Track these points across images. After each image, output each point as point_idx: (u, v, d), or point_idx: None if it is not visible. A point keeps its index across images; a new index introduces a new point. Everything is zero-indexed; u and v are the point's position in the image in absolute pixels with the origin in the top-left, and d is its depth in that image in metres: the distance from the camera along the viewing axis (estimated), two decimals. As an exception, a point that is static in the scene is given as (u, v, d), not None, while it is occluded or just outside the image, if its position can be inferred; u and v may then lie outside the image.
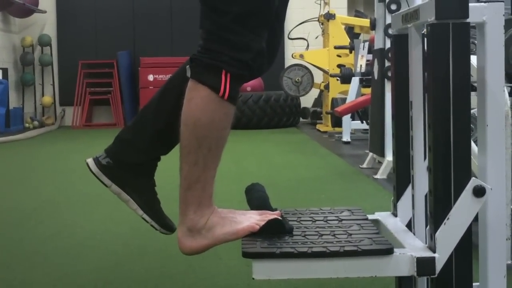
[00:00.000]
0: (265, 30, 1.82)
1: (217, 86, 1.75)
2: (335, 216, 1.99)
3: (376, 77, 5.23)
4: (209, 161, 1.80)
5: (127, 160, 2.10)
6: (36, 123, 11.61)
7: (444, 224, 1.63)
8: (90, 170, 2.11)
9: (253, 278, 1.64)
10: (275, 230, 1.79)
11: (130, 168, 2.09)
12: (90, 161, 2.13)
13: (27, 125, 11.60)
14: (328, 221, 1.93)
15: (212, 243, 1.84)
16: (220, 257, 2.73)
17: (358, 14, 10.74)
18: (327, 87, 9.54)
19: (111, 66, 11.72)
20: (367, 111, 6.92)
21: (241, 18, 1.75)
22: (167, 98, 2.08)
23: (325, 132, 9.25)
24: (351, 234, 1.77)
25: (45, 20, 12.10)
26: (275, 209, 1.94)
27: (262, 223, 1.80)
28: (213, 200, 1.86)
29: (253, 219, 1.83)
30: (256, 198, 1.98)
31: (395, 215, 2.05)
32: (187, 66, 1.81)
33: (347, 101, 7.50)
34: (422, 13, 1.74)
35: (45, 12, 11.79)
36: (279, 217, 1.83)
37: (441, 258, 1.63)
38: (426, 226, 1.81)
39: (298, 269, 1.63)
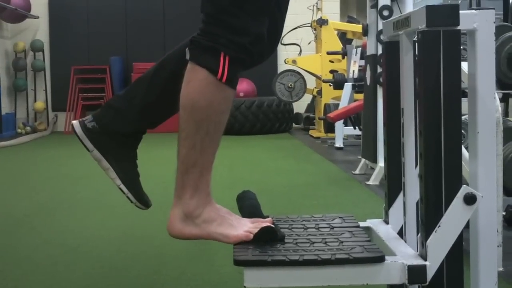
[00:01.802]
0: (265, 15, 1.81)
1: (215, 69, 1.75)
2: (327, 224, 1.99)
3: (368, 83, 5.24)
4: (206, 145, 1.80)
5: (113, 127, 2.09)
6: (28, 128, 11.59)
7: (435, 231, 1.63)
8: (75, 132, 2.10)
9: (245, 287, 1.63)
10: (267, 237, 1.79)
11: (114, 136, 2.08)
12: (75, 122, 2.12)
13: (19, 130, 11.58)
14: (320, 229, 1.93)
15: (202, 236, 1.84)
16: (213, 264, 2.73)
17: (350, 20, 10.76)
18: (319, 92, 9.55)
19: (104, 72, 11.71)
20: (359, 117, 6.93)
21: (240, 1, 1.75)
22: (162, 74, 2.08)
23: (317, 137, 9.26)
24: (342, 242, 1.77)
25: (38, 26, 12.09)
26: (267, 217, 1.94)
27: (255, 230, 1.80)
28: (211, 190, 1.85)
29: (246, 226, 1.83)
30: (247, 206, 1.98)
31: (386, 222, 2.05)
32: (186, 49, 1.81)
33: (340, 107, 7.51)
34: (413, 21, 1.74)
35: (37, 17, 11.78)
36: (271, 225, 1.83)
37: (432, 265, 1.63)
38: (417, 234, 1.81)
39: (290, 277, 1.63)
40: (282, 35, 2.20)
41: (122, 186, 2.07)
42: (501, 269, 2.51)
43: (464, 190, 1.64)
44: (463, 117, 1.74)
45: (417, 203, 1.87)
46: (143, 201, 2.10)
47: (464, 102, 1.72)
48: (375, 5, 5.05)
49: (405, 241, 1.90)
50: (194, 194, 1.82)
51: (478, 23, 1.68)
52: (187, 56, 1.80)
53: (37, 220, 3.81)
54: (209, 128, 1.78)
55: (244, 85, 10.59)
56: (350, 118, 7.68)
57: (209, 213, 1.83)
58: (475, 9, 1.68)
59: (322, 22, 9.53)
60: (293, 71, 9.69)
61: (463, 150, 1.83)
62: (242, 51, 1.77)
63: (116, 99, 2.15)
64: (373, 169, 5.22)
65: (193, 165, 1.80)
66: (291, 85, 9.61)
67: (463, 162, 1.69)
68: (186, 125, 1.79)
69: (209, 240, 3.05)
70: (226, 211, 1.87)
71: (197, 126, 1.78)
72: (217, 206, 1.86)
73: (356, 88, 7.61)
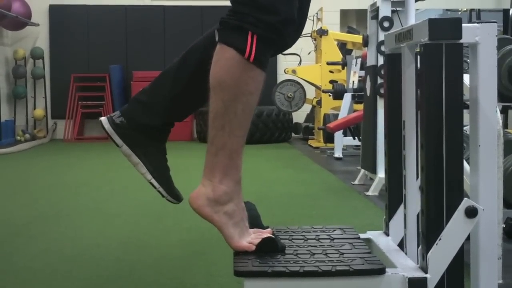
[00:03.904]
0: None
1: (242, 48, 1.74)
2: (327, 235, 1.99)
3: (368, 93, 5.24)
4: (235, 127, 1.79)
5: (141, 121, 2.09)
6: (27, 136, 11.58)
7: (436, 244, 1.63)
8: (103, 127, 2.10)
9: (245, 297, 1.63)
10: (268, 248, 1.78)
11: (143, 131, 2.08)
12: (103, 119, 2.12)
13: (18, 138, 11.57)
14: (320, 240, 1.93)
15: (215, 224, 1.84)
16: (211, 274, 2.72)
17: (350, 30, 10.78)
18: (319, 102, 9.56)
19: (103, 80, 11.71)
20: (359, 127, 6.93)
21: None
22: (187, 65, 2.08)
23: (317, 147, 9.25)
24: (343, 253, 1.77)
25: (38, 33, 12.10)
26: (267, 227, 1.93)
27: (257, 241, 1.80)
28: (241, 177, 1.86)
29: (249, 237, 1.83)
30: (247, 217, 1.97)
31: (387, 234, 2.05)
32: (215, 30, 1.81)
33: (339, 117, 7.51)
34: (416, 33, 1.74)
35: (37, 25, 11.79)
36: (272, 235, 1.83)
37: (433, 278, 1.63)
38: (418, 246, 1.81)
39: (290, 289, 1.63)
40: None
41: (153, 181, 2.06)
42: (501, 281, 2.50)
43: (465, 203, 1.64)
44: (463, 129, 1.74)
45: (417, 215, 1.87)
46: (174, 195, 2.09)
47: (465, 115, 1.72)
48: (375, 16, 5.06)
49: (406, 253, 1.90)
50: (223, 178, 1.82)
51: (480, 36, 1.68)
52: (216, 38, 1.79)
53: (36, 228, 3.80)
54: (237, 109, 1.77)
55: (243, 95, 10.57)
56: (350, 128, 7.68)
57: (233, 208, 1.83)
58: (478, 23, 1.68)
59: (322, 32, 9.55)
60: (293, 81, 9.70)
61: (464, 163, 1.83)
62: (271, 31, 1.76)
63: (143, 93, 2.15)
64: (372, 179, 5.22)
65: (222, 147, 1.80)
66: (290, 95, 9.61)
67: (464, 176, 1.69)
68: (214, 106, 1.79)
69: (208, 250, 3.07)
70: (245, 215, 1.88)
71: (225, 106, 1.77)
72: (242, 205, 1.87)
73: (356, 99, 7.62)
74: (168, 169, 2.10)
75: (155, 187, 2.07)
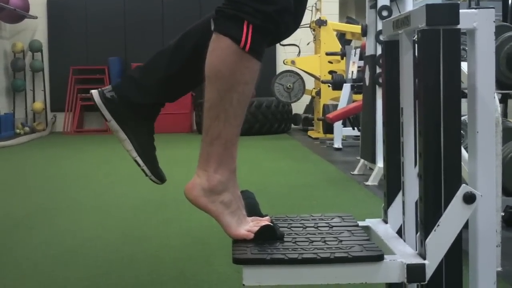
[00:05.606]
0: None
1: (238, 37, 1.73)
2: (326, 223, 1.99)
3: (367, 83, 5.24)
4: (230, 116, 1.78)
5: (131, 98, 2.08)
6: (27, 129, 11.58)
7: (435, 230, 1.63)
8: (93, 100, 2.10)
9: (244, 285, 1.63)
10: (267, 236, 1.78)
11: (132, 107, 2.08)
12: (94, 92, 2.11)
13: (18, 131, 11.57)
14: (319, 228, 1.93)
15: (212, 213, 1.83)
16: (211, 263, 2.73)
17: (349, 21, 10.76)
18: (318, 93, 9.56)
19: (103, 72, 11.71)
20: (358, 118, 6.93)
21: None
22: (185, 46, 2.07)
23: (316, 138, 9.25)
24: (341, 241, 1.77)
25: (36, 26, 12.09)
26: (265, 215, 1.93)
27: (255, 229, 1.79)
28: (236, 167, 1.85)
29: (248, 225, 1.83)
30: (246, 204, 1.97)
31: (385, 221, 2.04)
32: (211, 19, 1.80)
33: (339, 107, 7.51)
34: (413, 20, 1.74)
35: (36, 17, 11.78)
36: (270, 223, 1.83)
37: (431, 264, 1.63)
38: (416, 233, 1.81)
39: (289, 276, 1.63)
40: None
41: (138, 159, 2.05)
42: (499, 269, 2.51)
43: (463, 189, 1.63)
44: (462, 118, 1.73)
45: (416, 202, 1.87)
46: (158, 175, 2.08)
47: (464, 103, 1.71)
48: (374, 6, 5.05)
49: (404, 240, 1.89)
50: (218, 168, 1.81)
51: (478, 22, 1.67)
52: (212, 27, 1.79)
53: (36, 220, 3.81)
54: (232, 99, 1.76)
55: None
56: (349, 118, 7.68)
57: (230, 197, 1.82)
58: (475, 8, 1.67)
59: (321, 22, 9.54)
60: (292, 71, 9.69)
61: (462, 150, 1.82)
62: (268, 20, 1.74)
63: (137, 70, 2.14)
64: (371, 169, 5.22)
65: (217, 137, 1.79)
66: (290, 85, 9.61)
67: (462, 163, 1.68)
68: (210, 95, 1.78)
69: (207, 240, 3.08)
70: (241, 203, 1.87)
71: (220, 96, 1.76)
72: (238, 193, 1.86)
73: (355, 89, 7.62)
74: (154, 148, 2.10)
75: (139, 165, 2.06)
